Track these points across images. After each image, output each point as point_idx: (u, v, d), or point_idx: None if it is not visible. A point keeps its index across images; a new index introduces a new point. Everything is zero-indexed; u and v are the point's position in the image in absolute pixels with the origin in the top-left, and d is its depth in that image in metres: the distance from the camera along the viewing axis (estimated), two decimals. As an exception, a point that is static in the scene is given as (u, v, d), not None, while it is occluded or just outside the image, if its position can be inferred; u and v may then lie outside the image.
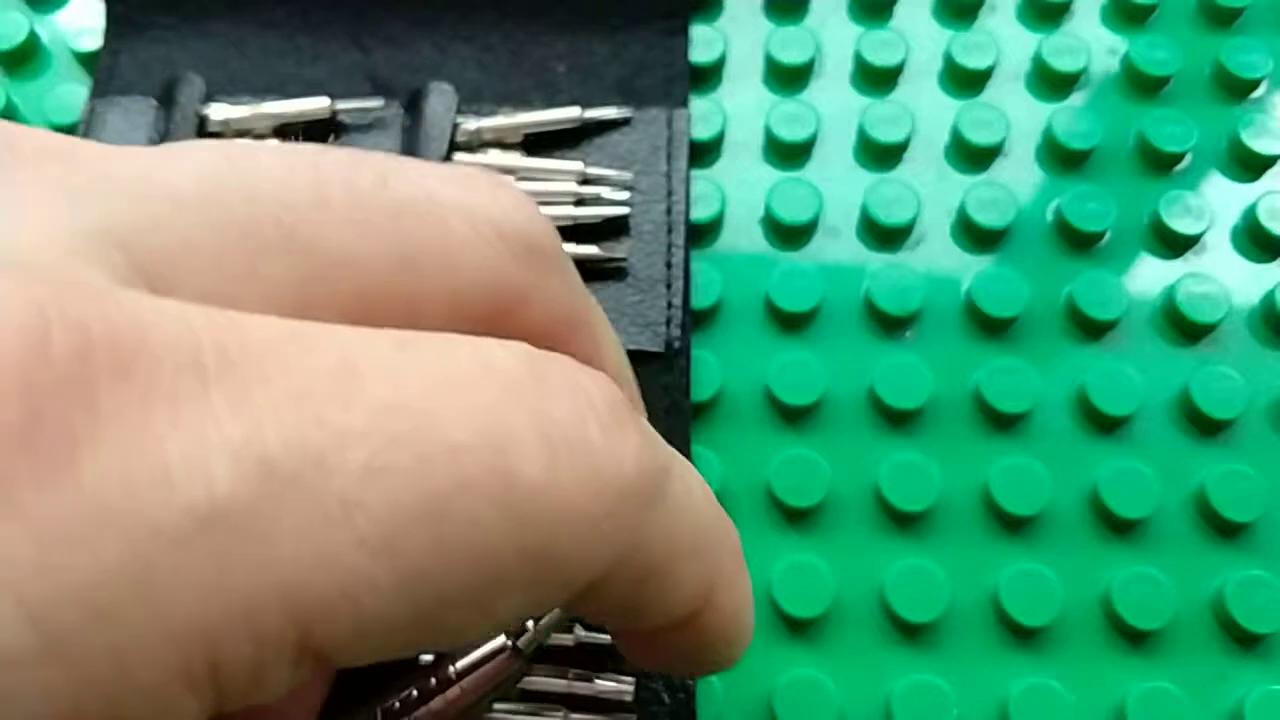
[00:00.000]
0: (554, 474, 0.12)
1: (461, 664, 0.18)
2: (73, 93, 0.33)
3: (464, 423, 0.12)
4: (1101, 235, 0.31)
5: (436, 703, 0.17)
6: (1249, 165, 0.32)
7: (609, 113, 0.31)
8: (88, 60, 0.34)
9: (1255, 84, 0.33)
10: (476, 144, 0.31)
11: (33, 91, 0.34)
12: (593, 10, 0.33)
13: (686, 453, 0.28)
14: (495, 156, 0.31)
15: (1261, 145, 0.32)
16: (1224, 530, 0.28)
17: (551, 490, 0.12)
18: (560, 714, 0.25)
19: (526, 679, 0.25)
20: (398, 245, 0.14)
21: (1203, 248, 0.31)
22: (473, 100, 0.31)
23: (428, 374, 0.12)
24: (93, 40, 0.34)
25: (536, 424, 0.12)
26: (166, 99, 0.31)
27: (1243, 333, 0.30)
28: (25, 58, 0.34)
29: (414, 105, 0.31)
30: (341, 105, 0.31)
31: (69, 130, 0.32)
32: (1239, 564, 0.28)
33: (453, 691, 0.17)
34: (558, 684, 0.25)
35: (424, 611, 0.11)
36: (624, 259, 0.30)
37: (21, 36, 0.34)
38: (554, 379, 0.13)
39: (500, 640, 0.18)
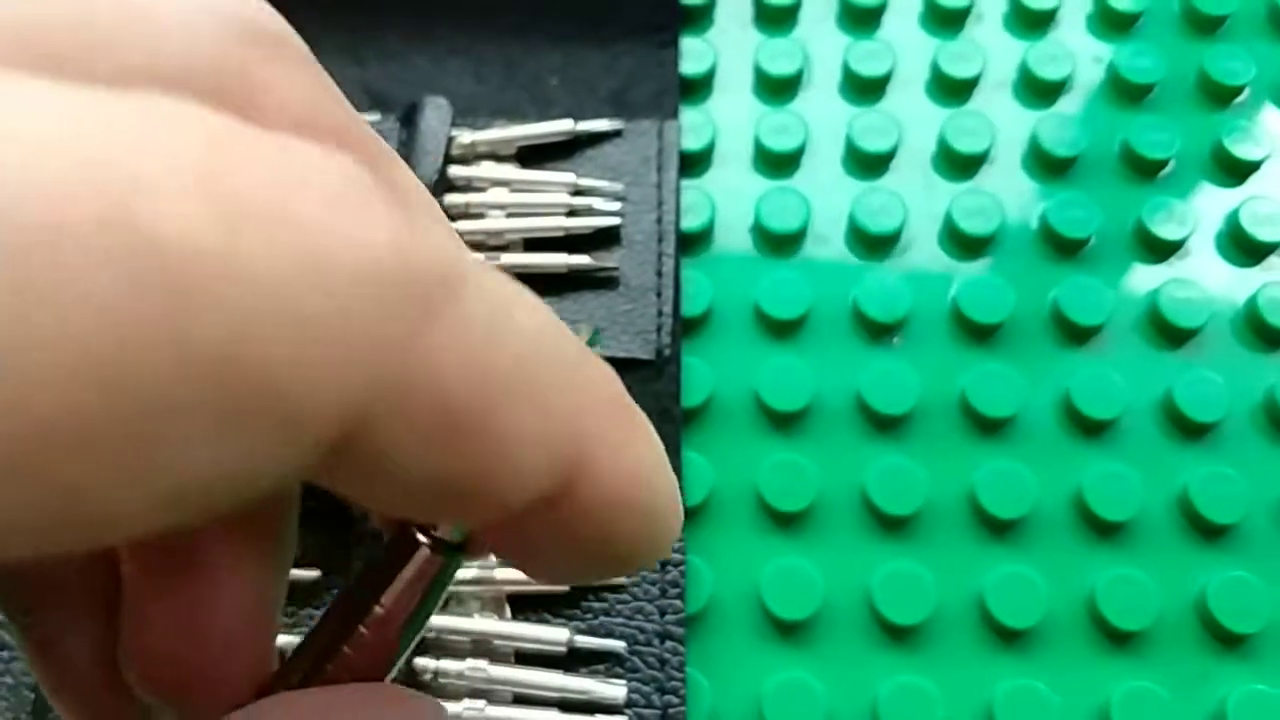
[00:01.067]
0: (233, 241, 0.09)
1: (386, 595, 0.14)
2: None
3: (72, 164, 0.08)
4: (1086, 241, 0.32)
5: (362, 635, 0.13)
6: (1232, 171, 0.33)
7: (601, 125, 0.32)
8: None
9: (1238, 90, 0.33)
10: (471, 156, 0.32)
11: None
12: (585, 24, 0.33)
13: (676, 459, 0.28)
14: (489, 169, 0.31)
15: (1244, 151, 0.32)
16: (1207, 531, 0.29)
17: (231, 263, 0.08)
18: (552, 715, 0.25)
19: (519, 680, 0.26)
20: (86, 12, 0.11)
21: (1186, 253, 0.32)
22: (467, 113, 0.32)
23: (52, 113, 0.08)
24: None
25: (199, 176, 0.09)
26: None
27: (1226, 336, 0.31)
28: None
29: (410, 119, 0.32)
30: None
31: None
32: (1221, 565, 0.28)
33: (374, 615, 0.13)
34: (550, 684, 0.26)
35: (30, 465, 0.08)
36: (615, 268, 0.30)
37: None
38: (243, 141, 0.09)
39: (419, 538, 0.14)
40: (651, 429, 0.13)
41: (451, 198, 0.31)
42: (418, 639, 0.14)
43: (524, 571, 0.15)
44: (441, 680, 0.26)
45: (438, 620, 0.26)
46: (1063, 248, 0.32)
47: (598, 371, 0.12)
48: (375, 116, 0.32)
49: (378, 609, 0.14)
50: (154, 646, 0.13)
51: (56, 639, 0.14)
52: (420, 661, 0.26)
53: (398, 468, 0.10)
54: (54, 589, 0.14)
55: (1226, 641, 0.28)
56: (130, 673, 0.14)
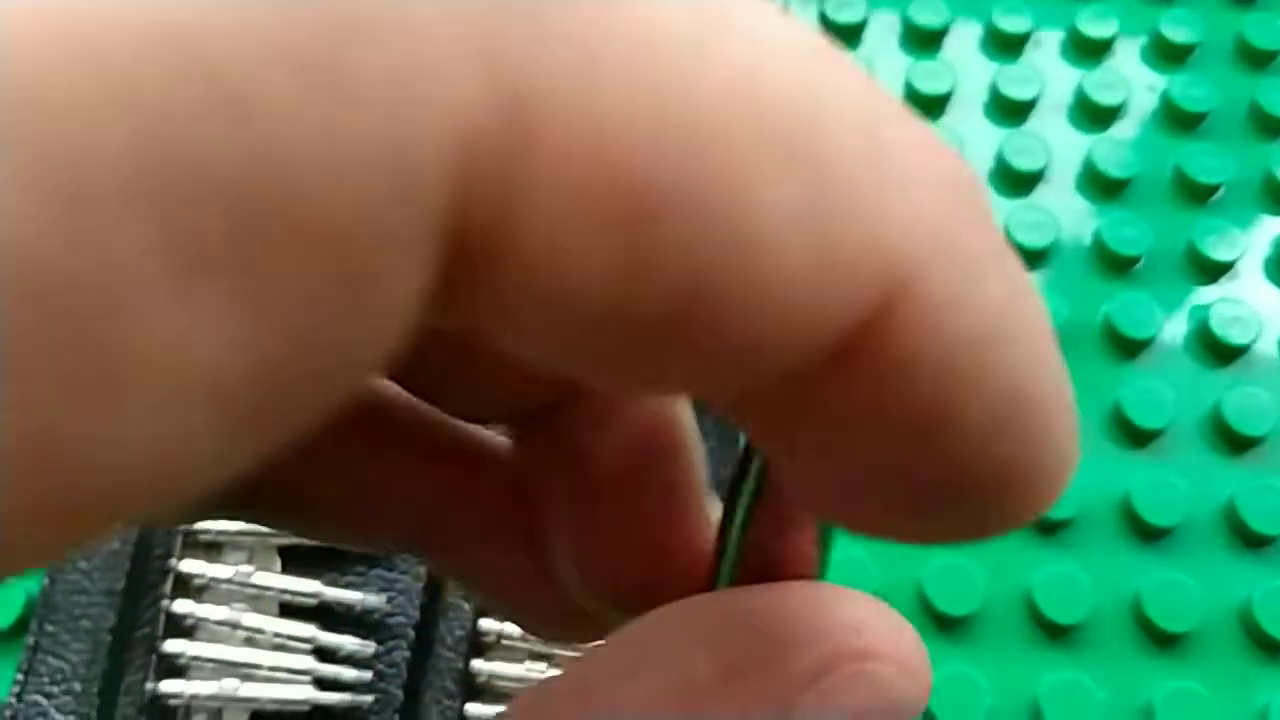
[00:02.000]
0: None
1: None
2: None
3: None
4: (1138, 260, 0.33)
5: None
6: (1282, 198, 0.34)
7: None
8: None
9: (1289, 122, 0.35)
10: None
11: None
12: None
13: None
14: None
15: (1294, 180, 0.33)
16: (1252, 541, 0.29)
17: None
18: None
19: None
20: None
21: (1235, 274, 0.33)
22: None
23: None
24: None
25: None
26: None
27: (1273, 354, 0.32)
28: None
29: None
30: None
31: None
32: (1267, 574, 0.29)
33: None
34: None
35: None
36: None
37: None
38: None
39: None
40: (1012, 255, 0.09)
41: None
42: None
43: (829, 513, 0.11)
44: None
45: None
46: (1115, 265, 0.33)
47: (912, 131, 0.08)
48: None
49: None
50: (599, 559, 0.13)
51: (489, 573, 0.14)
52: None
53: (566, 277, 0.07)
54: (481, 535, 0.14)
55: (1270, 648, 0.28)
56: (575, 583, 0.13)
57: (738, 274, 0.07)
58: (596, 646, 0.11)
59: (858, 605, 0.11)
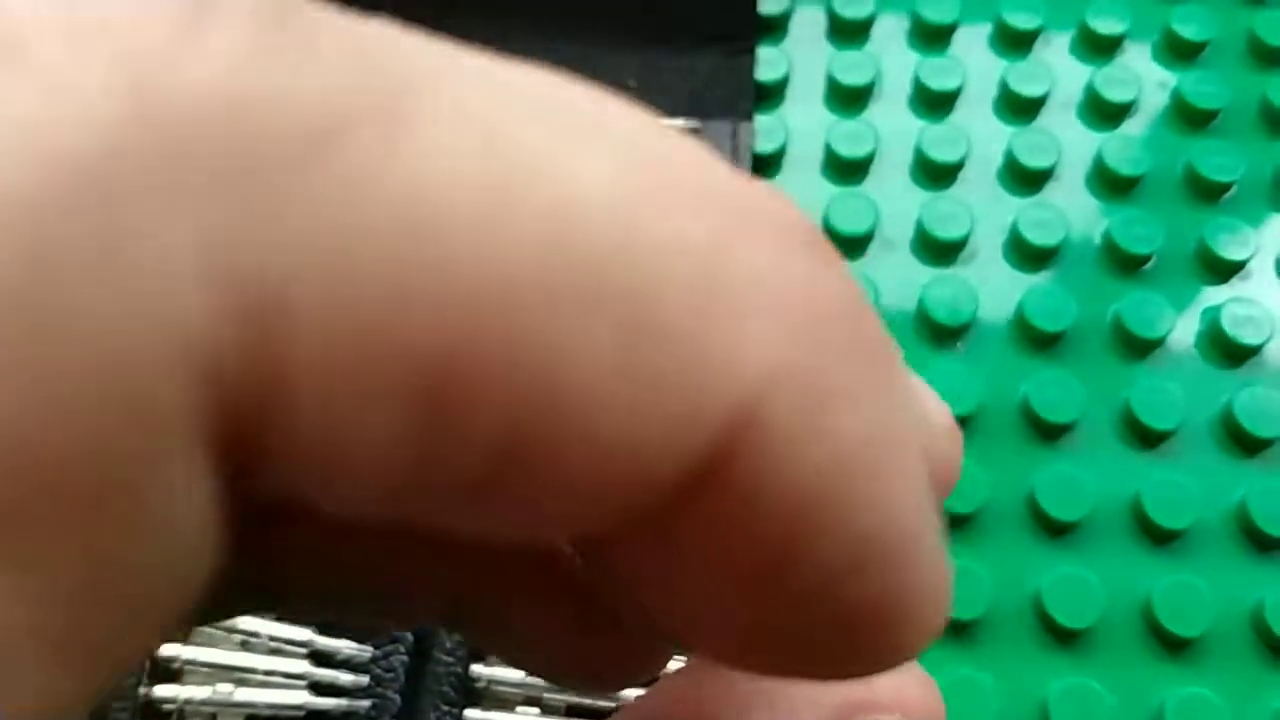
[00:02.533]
0: None
1: None
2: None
3: None
4: (1148, 258, 0.32)
5: None
6: (1295, 197, 0.33)
7: (677, 124, 0.33)
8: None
9: (1302, 120, 0.34)
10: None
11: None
12: (663, 33, 0.35)
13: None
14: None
15: (1307, 178, 0.33)
16: (1263, 544, 0.29)
17: None
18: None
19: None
20: None
21: (1247, 274, 0.32)
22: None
23: None
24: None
25: None
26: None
27: (1286, 356, 0.31)
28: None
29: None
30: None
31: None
32: (1278, 577, 0.28)
33: None
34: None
35: None
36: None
37: None
38: None
39: None
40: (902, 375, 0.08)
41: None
42: None
43: (699, 647, 0.10)
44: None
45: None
46: (1125, 263, 0.32)
47: (769, 255, 0.08)
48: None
49: None
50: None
51: (534, 631, 0.13)
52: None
53: (351, 452, 0.07)
54: (524, 596, 0.13)
55: (1282, 653, 0.28)
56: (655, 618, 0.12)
57: (553, 433, 0.07)
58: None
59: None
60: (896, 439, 0.08)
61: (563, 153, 0.07)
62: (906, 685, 0.11)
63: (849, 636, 0.08)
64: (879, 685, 0.11)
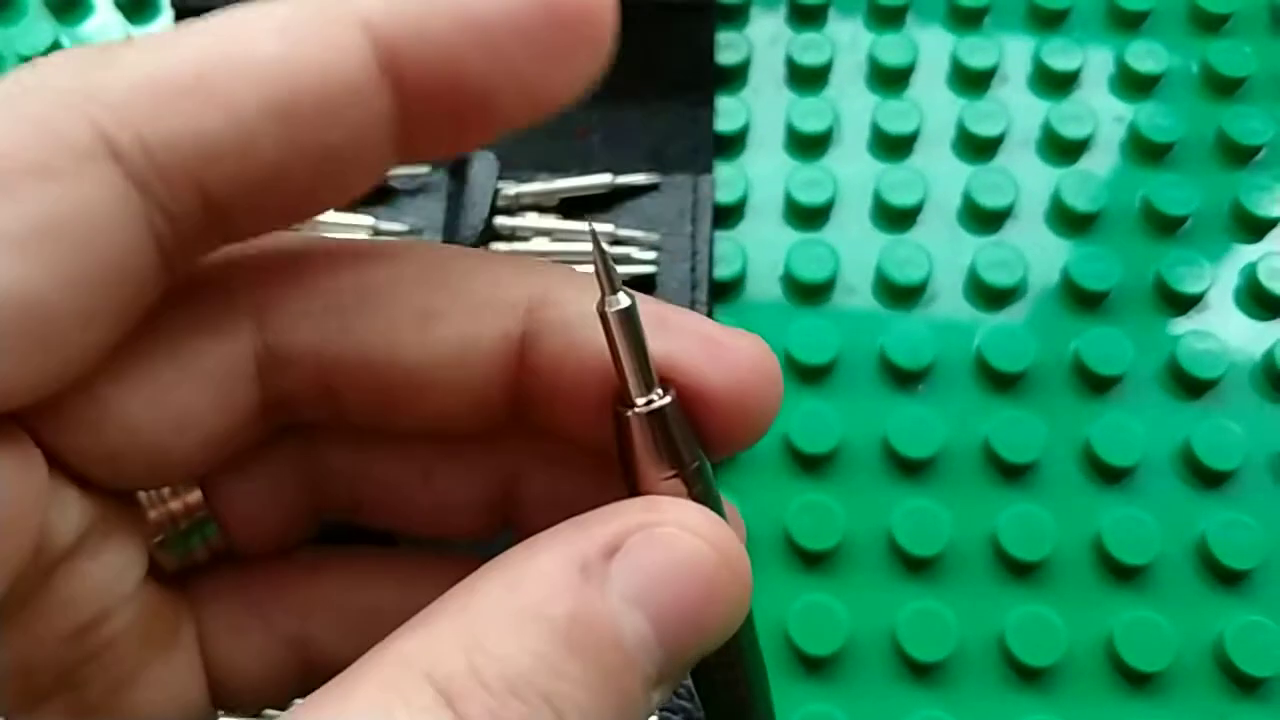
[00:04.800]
0: None
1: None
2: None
3: None
4: (1107, 294, 0.33)
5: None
6: (1250, 227, 0.34)
7: (639, 179, 0.33)
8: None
9: (1256, 150, 0.35)
10: (516, 207, 0.33)
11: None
12: (625, 84, 0.35)
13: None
14: (533, 219, 0.33)
15: (1262, 208, 0.33)
16: (1224, 577, 0.29)
17: None
18: None
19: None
20: None
21: (1205, 306, 0.33)
22: (513, 167, 0.34)
23: None
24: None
25: None
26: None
27: (1244, 388, 0.32)
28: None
29: (458, 171, 0.33)
30: (391, 171, 0.34)
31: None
32: (1239, 609, 0.29)
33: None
34: None
35: None
36: (651, 315, 0.32)
37: (46, 44, 0.38)
38: None
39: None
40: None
41: (497, 245, 0.32)
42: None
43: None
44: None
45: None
46: (1084, 300, 0.33)
47: None
48: (426, 169, 0.34)
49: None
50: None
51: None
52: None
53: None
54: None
55: (1243, 685, 0.28)
56: None
57: None
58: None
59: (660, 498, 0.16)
60: None
61: None
62: (691, 510, 0.15)
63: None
64: (663, 506, 0.15)
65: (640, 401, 0.15)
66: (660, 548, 0.15)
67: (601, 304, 0.15)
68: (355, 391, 0.16)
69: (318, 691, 0.13)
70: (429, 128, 0.14)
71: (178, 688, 0.17)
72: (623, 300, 0.15)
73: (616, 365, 0.15)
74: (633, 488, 0.16)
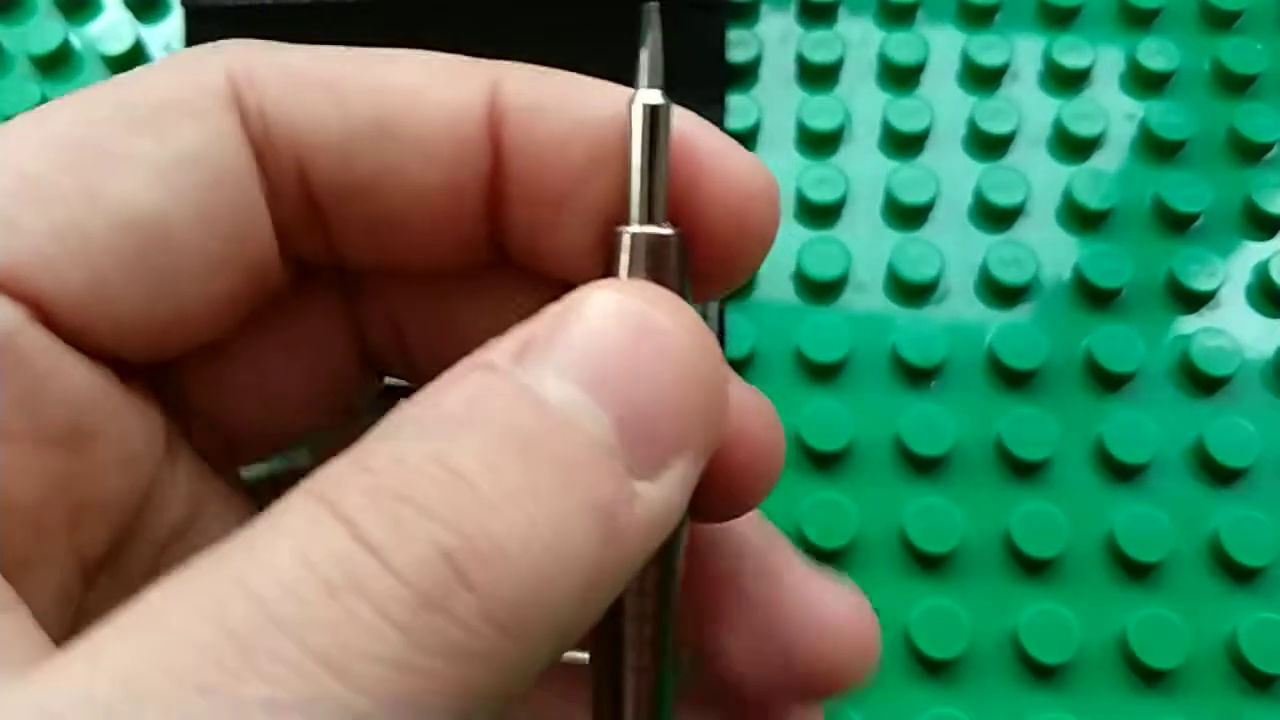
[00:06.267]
0: None
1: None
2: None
3: None
4: (1119, 292, 0.33)
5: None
6: (1262, 225, 0.34)
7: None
8: (115, 65, 0.38)
9: (1268, 147, 0.34)
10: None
11: (65, 92, 0.37)
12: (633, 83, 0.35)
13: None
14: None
15: (1274, 205, 0.33)
16: (1237, 574, 0.29)
17: None
18: None
19: None
20: None
21: (1217, 303, 0.33)
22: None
23: None
24: (119, 46, 0.38)
25: None
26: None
27: (1256, 384, 0.32)
28: (59, 62, 0.39)
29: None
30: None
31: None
32: (1252, 607, 0.29)
33: None
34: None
35: None
36: (663, 313, 0.32)
37: (55, 43, 0.38)
38: None
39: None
40: None
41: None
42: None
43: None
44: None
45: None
46: (1096, 297, 0.33)
47: None
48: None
49: None
50: None
51: None
52: None
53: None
54: None
55: (1257, 682, 0.28)
56: None
57: None
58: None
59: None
60: None
61: None
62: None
63: None
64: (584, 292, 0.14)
65: (641, 228, 0.14)
66: (576, 320, 0.13)
67: (632, 98, 0.13)
68: (340, 195, 0.16)
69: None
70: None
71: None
72: (655, 97, 0.13)
73: (629, 174, 0.14)
74: None
